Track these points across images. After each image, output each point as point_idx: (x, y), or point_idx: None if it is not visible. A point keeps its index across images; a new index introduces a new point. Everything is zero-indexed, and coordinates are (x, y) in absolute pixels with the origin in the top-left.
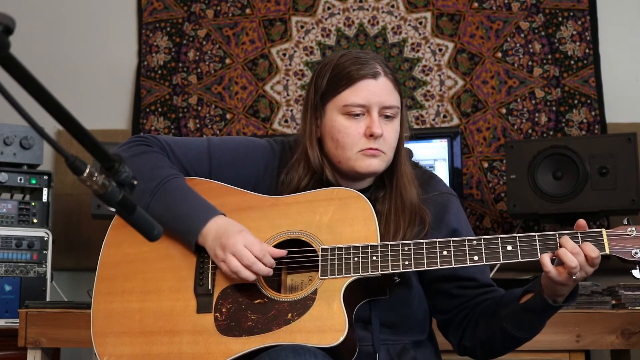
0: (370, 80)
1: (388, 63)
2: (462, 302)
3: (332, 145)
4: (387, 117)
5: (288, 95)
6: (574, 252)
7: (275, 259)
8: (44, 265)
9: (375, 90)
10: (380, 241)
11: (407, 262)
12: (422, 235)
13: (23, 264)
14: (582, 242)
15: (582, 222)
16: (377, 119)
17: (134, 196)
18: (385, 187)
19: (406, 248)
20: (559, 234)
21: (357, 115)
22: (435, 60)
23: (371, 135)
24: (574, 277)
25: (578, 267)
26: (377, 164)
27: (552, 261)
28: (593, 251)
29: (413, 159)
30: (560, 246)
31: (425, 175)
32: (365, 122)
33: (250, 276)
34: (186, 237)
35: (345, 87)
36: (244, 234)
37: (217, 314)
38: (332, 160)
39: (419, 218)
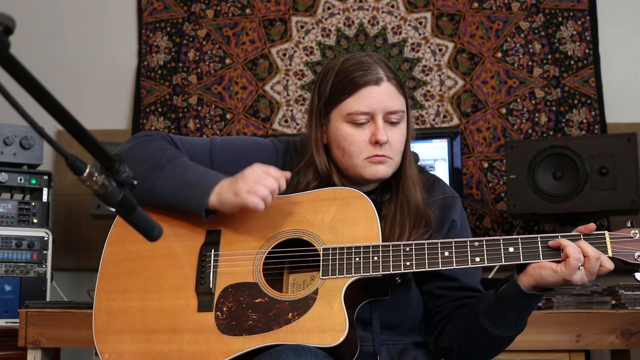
0: (374, 87)
1: (390, 64)
2: (441, 302)
3: (338, 153)
4: (392, 122)
5: (288, 95)
6: (595, 256)
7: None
8: (44, 265)
9: (379, 96)
10: (385, 242)
11: (408, 263)
12: (426, 238)
13: (23, 264)
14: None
15: (592, 226)
16: (382, 125)
17: (142, 176)
18: (391, 189)
19: (407, 248)
20: (561, 236)
21: (362, 123)
22: (435, 60)
23: (376, 143)
24: (575, 275)
25: (578, 265)
26: (384, 170)
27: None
28: (609, 263)
29: (418, 162)
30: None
31: (430, 180)
32: (370, 129)
33: (270, 200)
34: (198, 200)
35: (348, 95)
36: (255, 165)
37: (218, 313)
38: (339, 167)
39: (424, 221)
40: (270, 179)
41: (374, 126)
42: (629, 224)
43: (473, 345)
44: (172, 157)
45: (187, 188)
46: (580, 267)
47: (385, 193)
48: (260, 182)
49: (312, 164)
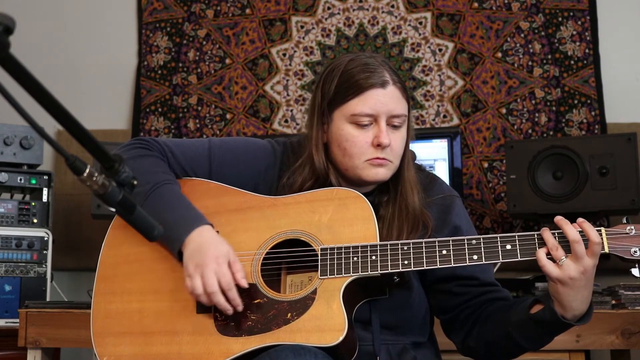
0: (379, 90)
1: (394, 67)
2: (464, 300)
3: (339, 153)
4: (394, 126)
5: (288, 95)
6: (575, 240)
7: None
8: (44, 265)
9: (384, 99)
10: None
11: (406, 262)
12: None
13: (23, 264)
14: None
15: (581, 220)
16: (384, 128)
17: None
18: (389, 191)
19: (405, 247)
20: (558, 233)
21: (365, 124)
22: (435, 60)
23: (379, 145)
24: (559, 262)
25: (557, 248)
26: (384, 173)
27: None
28: (596, 236)
29: (415, 160)
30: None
31: (428, 179)
32: (373, 132)
33: (206, 302)
34: (171, 244)
35: (353, 96)
36: (220, 260)
37: (217, 314)
38: (338, 167)
39: (421, 224)
40: (213, 284)
41: (377, 128)
42: (624, 220)
43: (500, 349)
44: (157, 184)
45: (165, 227)
46: (563, 260)
47: (383, 195)
48: (203, 280)
49: (309, 162)
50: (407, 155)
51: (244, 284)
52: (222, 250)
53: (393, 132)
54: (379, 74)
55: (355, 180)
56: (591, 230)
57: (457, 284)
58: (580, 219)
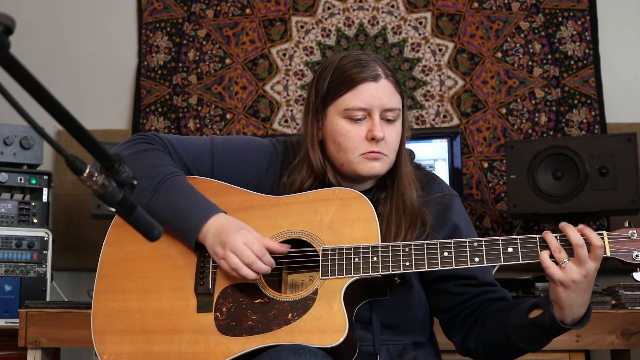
0: (371, 84)
1: (389, 64)
2: (463, 300)
3: (334, 149)
4: (388, 120)
5: (288, 95)
6: (578, 244)
7: (275, 256)
8: (44, 265)
9: (376, 93)
10: (383, 243)
11: (407, 263)
12: (423, 238)
13: (23, 264)
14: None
15: (582, 226)
16: (378, 122)
17: (135, 194)
18: (387, 188)
19: (407, 249)
20: (559, 236)
21: (359, 119)
22: (435, 60)
23: (373, 139)
24: (562, 265)
25: (560, 250)
26: (379, 167)
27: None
28: (598, 240)
29: (415, 160)
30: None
31: (427, 177)
32: (366, 126)
33: (249, 274)
34: (186, 235)
35: (346, 91)
36: (244, 231)
37: (218, 314)
38: (334, 163)
39: (420, 220)
40: (249, 254)
41: (371, 122)
42: (626, 224)
43: (500, 351)
44: (165, 177)
45: (178, 218)
46: (566, 262)
47: (381, 192)
48: (237, 254)
49: (306, 160)
50: (403, 151)
51: (284, 249)
52: (242, 225)
53: (387, 126)
54: (371, 68)
55: (352, 176)
56: (593, 234)
57: (455, 284)
58: (580, 225)
